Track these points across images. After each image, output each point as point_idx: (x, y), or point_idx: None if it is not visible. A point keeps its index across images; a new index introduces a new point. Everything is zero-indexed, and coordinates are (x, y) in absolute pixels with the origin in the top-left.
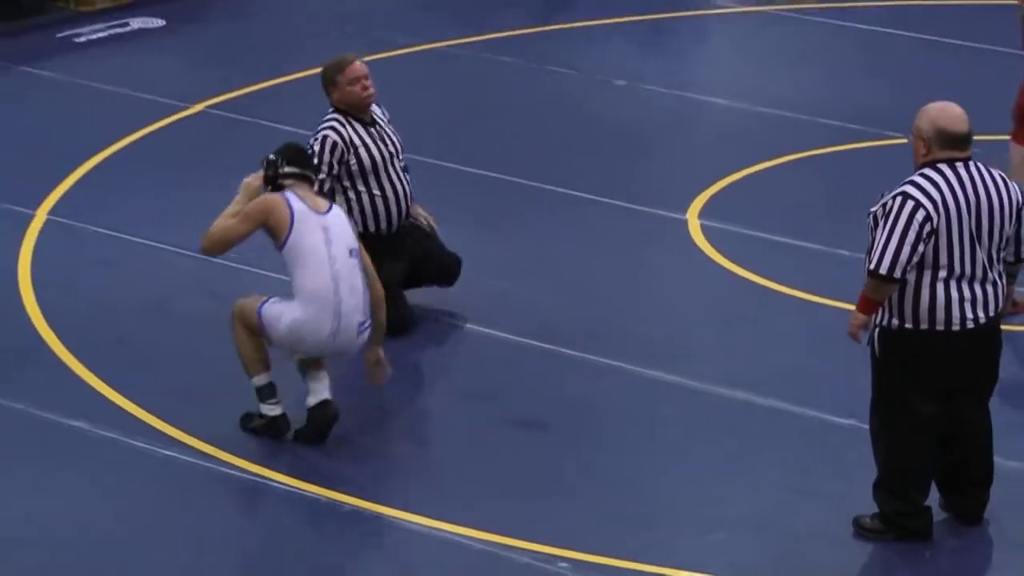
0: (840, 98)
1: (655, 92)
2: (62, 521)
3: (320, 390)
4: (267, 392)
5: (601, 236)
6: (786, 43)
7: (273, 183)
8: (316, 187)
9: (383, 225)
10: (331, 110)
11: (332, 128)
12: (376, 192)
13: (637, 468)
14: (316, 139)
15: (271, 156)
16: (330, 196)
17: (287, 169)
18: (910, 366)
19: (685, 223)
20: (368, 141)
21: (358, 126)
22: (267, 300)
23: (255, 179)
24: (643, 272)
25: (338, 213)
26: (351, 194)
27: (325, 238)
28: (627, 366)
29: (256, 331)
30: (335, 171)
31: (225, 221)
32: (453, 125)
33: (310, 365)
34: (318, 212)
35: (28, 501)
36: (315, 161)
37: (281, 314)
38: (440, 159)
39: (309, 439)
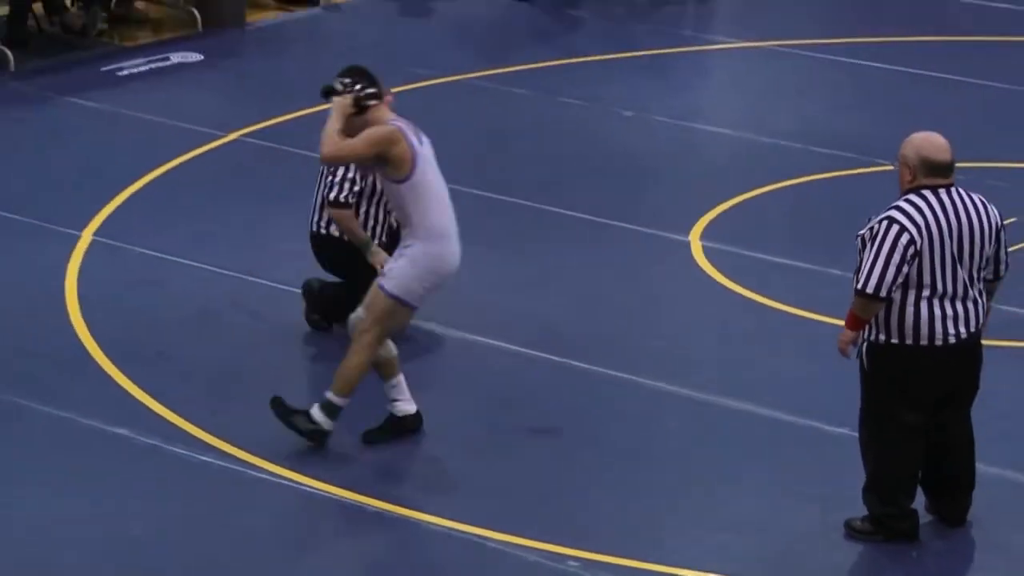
0: (832, 128)
1: (661, 122)
2: (105, 521)
3: (409, 398)
4: (336, 413)
5: (609, 256)
6: (782, 77)
7: (358, 106)
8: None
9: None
10: None
11: None
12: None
13: (643, 473)
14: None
15: (346, 80)
16: (356, 208)
17: (369, 91)
18: (896, 379)
19: (688, 244)
20: None
21: None
22: (379, 281)
23: (345, 99)
24: (648, 290)
25: (428, 143)
26: (371, 211)
27: (433, 170)
28: (633, 377)
29: (393, 314)
30: (358, 187)
31: (345, 140)
32: (471, 152)
33: (387, 373)
34: (421, 144)
35: (73, 503)
36: (343, 181)
37: (410, 270)
38: (458, 184)
39: (384, 439)
